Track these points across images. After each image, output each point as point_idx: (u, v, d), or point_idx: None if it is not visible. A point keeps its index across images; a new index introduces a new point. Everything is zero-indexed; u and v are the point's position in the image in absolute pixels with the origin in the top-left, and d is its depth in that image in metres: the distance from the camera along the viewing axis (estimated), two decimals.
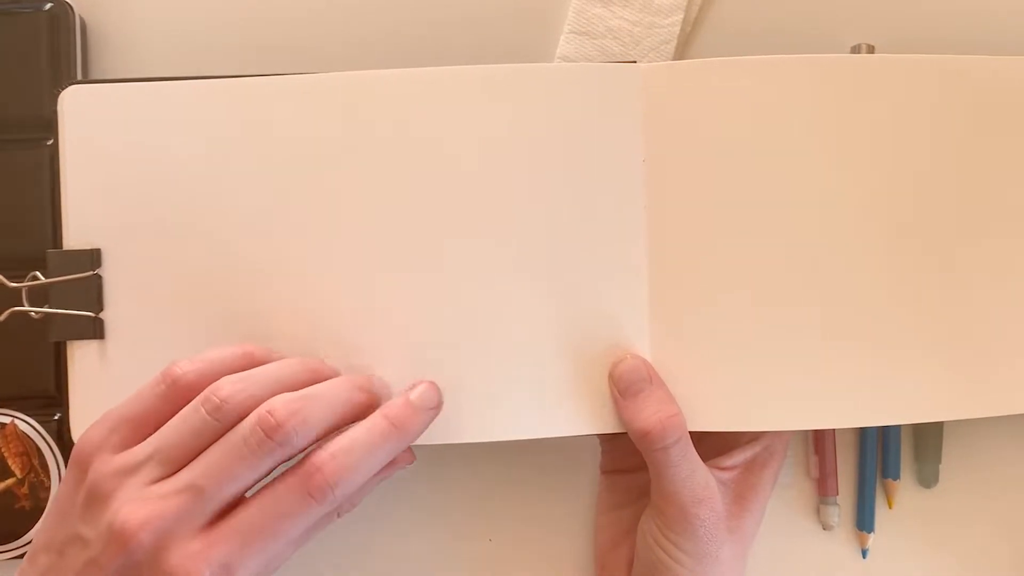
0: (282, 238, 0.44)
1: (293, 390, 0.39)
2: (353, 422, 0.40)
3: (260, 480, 0.39)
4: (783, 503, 0.50)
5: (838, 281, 0.45)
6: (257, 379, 0.39)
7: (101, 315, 0.45)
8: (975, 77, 0.45)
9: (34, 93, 0.49)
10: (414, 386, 0.42)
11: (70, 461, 0.40)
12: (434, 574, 0.50)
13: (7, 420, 0.48)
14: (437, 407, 0.42)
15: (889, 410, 0.45)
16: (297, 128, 0.44)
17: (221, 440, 0.38)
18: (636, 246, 0.45)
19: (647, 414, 0.43)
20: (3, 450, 0.48)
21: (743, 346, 0.45)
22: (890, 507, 0.50)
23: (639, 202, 0.45)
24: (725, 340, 0.45)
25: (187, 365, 0.40)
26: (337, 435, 0.39)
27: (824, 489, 0.50)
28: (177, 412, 0.39)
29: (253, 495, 0.39)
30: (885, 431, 0.50)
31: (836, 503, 0.50)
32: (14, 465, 0.48)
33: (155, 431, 0.39)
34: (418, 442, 0.43)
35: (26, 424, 0.48)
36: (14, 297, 0.45)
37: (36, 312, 0.45)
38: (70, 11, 0.49)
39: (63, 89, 0.45)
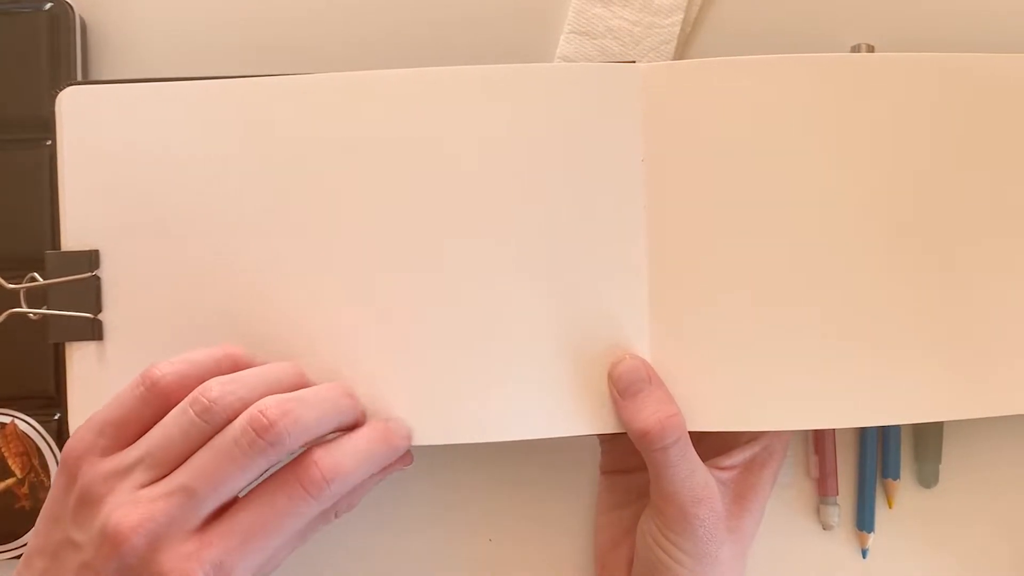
0: (281, 239, 0.44)
1: (285, 390, 0.39)
2: (341, 428, 0.40)
3: (252, 482, 0.39)
4: (783, 503, 0.50)
5: (838, 281, 0.45)
6: (246, 381, 0.39)
7: (100, 316, 0.44)
8: (975, 76, 0.45)
9: (34, 93, 0.49)
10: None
11: (59, 465, 0.40)
12: (434, 574, 0.50)
13: (7, 420, 0.48)
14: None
15: (889, 410, 0.45)
16: (296, 128, 0.44)
17: (212, 441, 0.38)
18: (636, 246, 0.45)
19: (646, 414, 0.43)
20: (3, 450, 0.48)
21: (743, 346, 0.45)
22: (890, 507, 0.50)
23: (639, 202, 0.45)
24: (725, 340, 0.45)
25: (166, 367, 0.39)
26: (331, 437, 0.39)
27: (824, 489, 0.50)
28: (157, 415, 0.39)
29: (247, 494, 0.38)
30: (885, 431, 0.50)
31: (836, 503, 0.50)
32: (14, 465, 0.48)
33: (138, 434, 0.39)
34: (418, 443, 0.43)
35: (26, 424, 0.48)
36: (13, 298, 0.45)
37: (34, 314, 0.45)
38: (70, 11, 0.49)
39: (60, 90, 0.45)
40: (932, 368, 0.45)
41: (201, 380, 0.39)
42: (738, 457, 0.46)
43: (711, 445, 0.46)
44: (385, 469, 0.43)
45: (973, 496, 0.50)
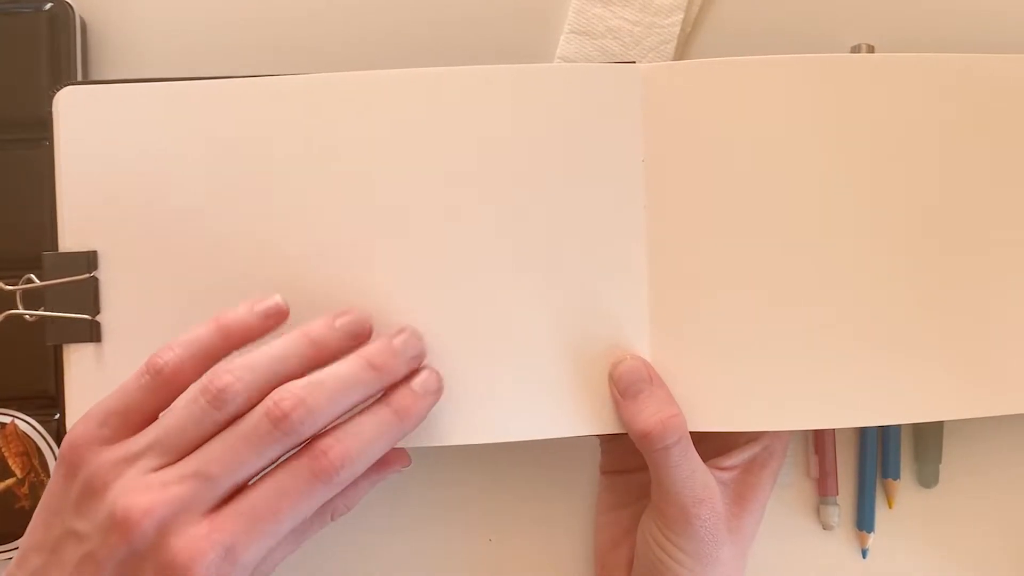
0: (280, 239, 0.44)
1: (294, 369, 0.39)
2: (361, 401, 0.40)
3: (264, 468, 0.38)
4: (783, 503, 0.50)
5: (838, 281, 0.45)
6: (256, 363, 0.39)
7: (98, 318, 0.44)
8: (976, 76, 0.45)
9: (34, 93, 0.49)
10: (399, 332, 0.41)
11: (58, 460, 0.39)
12: (434, 574, 0.50)
13: (7, 420, 0.48)
14: (438, 391, 0.42)
15: (889, 410, 0.45)
16: (296, 129, 0.44)
17: (228, 429, 0.38)
18: (636, 246, 0.45)
19: (647, 415, 0.43)
20: (3, 450, 0.48)
21: (743, 346, 0.45)
22: (890, 507, 0.50)
23: (639, 202, 0.45)
24: (725, 340, 0.45)
25: (167, 354, 0.39)
26: (343, 421, 0.39)
27: (824, 489, 0.50)
28: (164, 402, 0.39)
29: (258, 479, 0.38)
30: (885, 431, 0.50)
31: (836, 503, 0.50)
32: (14, 465, 0.48)
33: (143, 423, 0.39)
34: (418, 444, 0.43)
35: (26, 424, 0.48)
36: (10, 300, 0.45)
37: (31, 315, 0.44)
38: (70, 11, 0.49)
39: (57, 91, 0.44)
40: (932, 368, 0.45)
41: (204, 361, 0.39)
42: (738, 457, 0.46)
43: (711, 445, 0.46)
44: (383, 469, 0.43)
45: (973, 496, 0.50)
